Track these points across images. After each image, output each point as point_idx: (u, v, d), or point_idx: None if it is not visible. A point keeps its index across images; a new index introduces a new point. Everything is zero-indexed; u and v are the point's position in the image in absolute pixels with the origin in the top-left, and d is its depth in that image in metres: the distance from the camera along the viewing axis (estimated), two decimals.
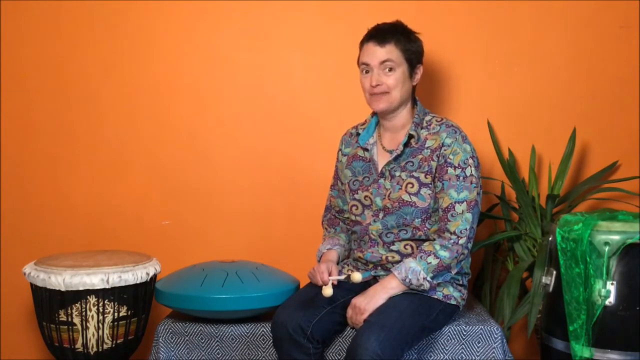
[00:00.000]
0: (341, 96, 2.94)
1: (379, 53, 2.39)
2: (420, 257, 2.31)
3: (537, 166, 2.90)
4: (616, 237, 2.23)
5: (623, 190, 2.78)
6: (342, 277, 2.34)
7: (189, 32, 2.96)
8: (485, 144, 2.89)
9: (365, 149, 2.50)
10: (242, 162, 2.99)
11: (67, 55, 2.98)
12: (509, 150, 2.92)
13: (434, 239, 2.36)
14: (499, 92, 2.95)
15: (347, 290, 2.44)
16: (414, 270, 2.30)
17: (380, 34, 2.41)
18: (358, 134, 2.54)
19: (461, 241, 2.32)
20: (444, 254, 2.30)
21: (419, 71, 2.45)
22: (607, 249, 2.23)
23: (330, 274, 2.32)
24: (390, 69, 2.39)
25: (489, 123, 2.90)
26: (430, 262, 2.30)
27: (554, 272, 2.39)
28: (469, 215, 2.33)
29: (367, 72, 2.42)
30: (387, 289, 2.32)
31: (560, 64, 2.92)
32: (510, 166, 2.83)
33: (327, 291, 2.28)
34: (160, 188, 3.00)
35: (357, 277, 2.30)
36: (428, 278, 2.30)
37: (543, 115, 2.94)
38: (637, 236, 2.22)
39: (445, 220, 2.34)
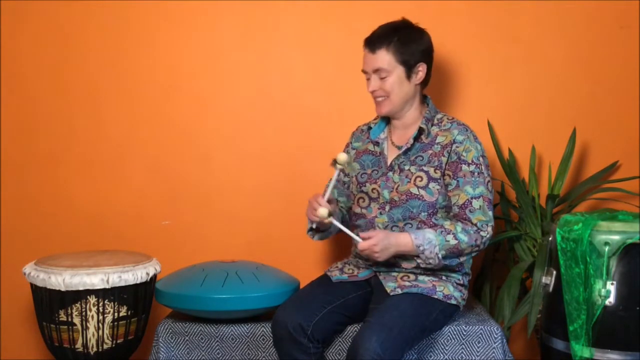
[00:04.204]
0: (342, 96, 2.94)
1: (370, 60, 2.42)
2: (441, 232, 2.32)
3: (537, 166, 2.90)
4: (616, 237, 2.23)
5: (623, 190, 2.78)
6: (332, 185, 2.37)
7: (189, 32, 2.96)
8: (485, 144, 2.87)
9: (376, 143, 2.51)
10: (242, 162, 2.99)
11: (67, 55, 2.98)
12: (509, 150, 2.92)
13: (455, 222, 2.36)
14: (499, 92, 2.95)
15: (347, 290, 2.45)
16: (431, 242, 2.31)
17: (372, 40, 2.42)
18: (370, 128, 2.55)
19: (482, 233, 2.34)
20: (463, 237, 2.32)
21: (422, 69, 2.44)
22: (607, 249, 2.23)
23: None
24: (383, 77, 2.40)
25: (489, 123, 2.90)
26: (448, 241, 2.31)
27: (554, 272, 2.39)
28: (490, 213, 2.36)
29: (367, 78, 2.44)
30: (400, 248, 2.33)
31: (561, 64, 2.93)
32: (510, 166, 2.83)
33: (321, 212, 2.30)
34: (160, 188, 3.00)
35: (341, 157, 2.30)
36: (439, 255, 2.31)
37: (543, 115, 2.94)
38: (637, 236, 2.22)
39: (464, 215, 2.35)
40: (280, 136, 2.97)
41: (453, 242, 2.32)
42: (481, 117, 2.91)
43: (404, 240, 2.34)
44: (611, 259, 2.24)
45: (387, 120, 2.53)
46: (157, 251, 2.75)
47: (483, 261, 2.88)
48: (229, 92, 2.98)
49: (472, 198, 2.35)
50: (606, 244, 2.24)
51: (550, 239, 2.44)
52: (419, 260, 2.35)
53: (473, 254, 2.38)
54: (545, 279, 2.44)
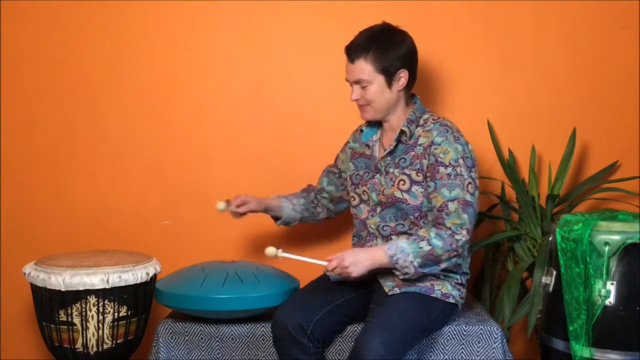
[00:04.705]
0: (341, 96, 2.92)
1: (350, 71, 2.41)
2: (414, 240, 2.29)
3: (537, 166, 2.90)
4: (616, 237, 2.23)
5: (623, 190, 2.78)
6: (232, 207, 2.54)
7: (189, 32, 2.96)
8: (485, 144, 2.89)
9: (368, 146, 2.52)
10: (242, 162, 2.99)
11: (67, 56, 2.97)
12: (509, 150, 2.92)
13: (430, 228, 2.34)
14: (499, 92, 2.95)
15: (346, 290, 2.45)
16: (404, 251, 2.27)
17: (351, 49, 2.39)
18: (362, 131, 2.55)
19: (457, 237, 2.29)
20: (437, 242, 2.28)
21: (403, 75, 2.39)
22: (607, 249, 2.23)
23: (243, 204, 2.54)
24: (364, 87, 2.39)
25: (489, 123, 2.90)
26: (421, 247, 2.27)
27: (554, 272, 2.39)
28: (465, 216, 2.30)
29: (350, 85, 2.44)
30: (375, 261, 2.30)
31: (560, 64, 2.93)
32: (510, 166, 2.83)
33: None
34: (160, 188, 3.00)
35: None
36: (415, 263, 2.27)
37: (543, 115, 2.94)
38: (637, 236, 2.22)
39: (441, 218, 2.32)
40: (280, 136, 2.97)
41: (427, 247, 2.27)
42: (481, 117, 2.91)
43: (377, 253, 2.30)
44: (611, 259, 2.24)
45: (379, 122, 2.53)
46: (157, 251, 2.74)
47: (483, 261, 2.88)
48: (229, 92, 2.98)
49: (447, 201, 2.31)
50: (606, 244, 2.23)
51: (550, 239, 2.44)
52: (397, 273, 2.32)
53: (453, 259, 2.32)
54: (545, 279, 2.44)
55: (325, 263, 2.31)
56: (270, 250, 2.32)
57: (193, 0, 2.94)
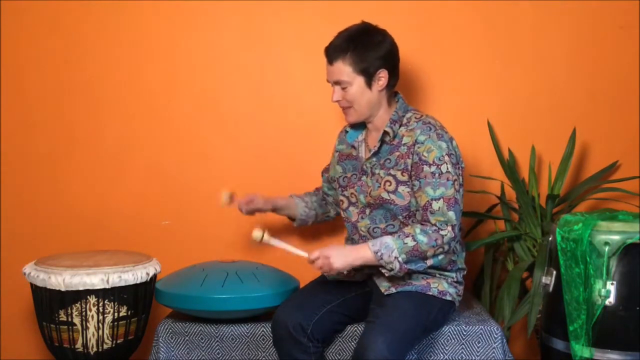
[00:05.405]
0: None
1: (330, 72, 2.40)
2: (399, 236, 2.29)
3: (537, 166, 2.90)
4: (616, 237, 2.23)
5: (623, 190, 2.78)
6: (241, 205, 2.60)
7: (188, 32, 2.96)
8: (485, 144, 2.89)
9: (353, 147, 2.52)
10: (241, 162, 2.99)
11: (67, 55, 2.97)
12: (509, 150, 2.92)
13: (415, 225, 2.34)
14: (499, 92, 2.95)
15: (346, 290, 2.45)
16: (388, 246, 2.27)
17: (329, 51, 2.38)
18: (347, 132, 2.54)
19: (442, 232, 2.28)
20: (422, 238, 2.27)
21: (383, 75, 2.37)
22: (607, 249, 2.23)
23: (250, 202, 2.60)
24: (344, 88, 2.38)
25: (489, 123, 2.90)
26: (406, 243, 2.27)
27: (554, 272, 2.39)
28: (450, 214, 2.29)
29: (332, 86, 2.43)
30: (359, 255, 2.31)
31: (560, 64, 2.93)
32: (510, 166, 2.83)
33: (255, 234, 2.40)
34: (160, 188, 3.00)
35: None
36: (400, 258, 2.27)
37: (543, 115, 2.94)
38: (637, 236, 2.22)
39: (426, 216, 2.31)
40: (280, 136, 2.97)
41: (412, 243, 2.27)
42: (481, 117, 2.91)
43: (362, 249, 2.31)
44: (611, 259, 2.24)
45: (363, 122, 2.51)
46: (157, 251, 2.74)
47: (483, 261, 2.87)
48: (229, 92, 2.98)
49: (432, 200, 2.30)
50: (606, 244, 2.24)
51: (550, 239, 2.44)
52: (383, 270, 2.31)
53: (439, 256, 2.30)
54: (545, 279, 2.44)
55: (306, 255, 2.34)
56: (256, 234, 2.39)
57: (193, 0, 2.94)
